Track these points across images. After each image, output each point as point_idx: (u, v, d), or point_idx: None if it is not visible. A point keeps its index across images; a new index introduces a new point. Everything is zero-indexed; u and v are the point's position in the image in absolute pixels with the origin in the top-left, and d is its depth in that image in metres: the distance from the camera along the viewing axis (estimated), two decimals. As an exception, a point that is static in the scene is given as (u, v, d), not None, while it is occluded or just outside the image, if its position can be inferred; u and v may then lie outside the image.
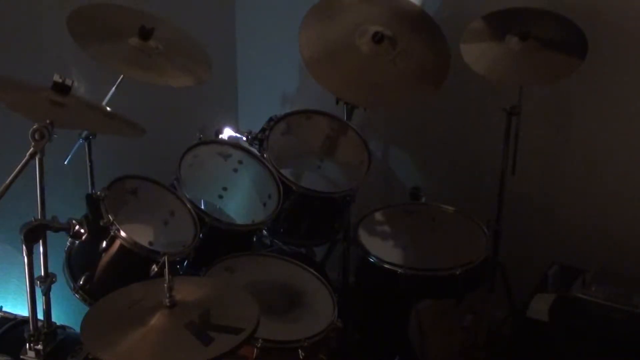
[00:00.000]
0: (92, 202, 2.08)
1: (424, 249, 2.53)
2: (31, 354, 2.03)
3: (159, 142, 2.62)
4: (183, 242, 2.18)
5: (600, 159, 2.87)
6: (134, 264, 2.08)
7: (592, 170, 2.89)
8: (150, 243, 2.17)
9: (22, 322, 2.18)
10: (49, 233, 1.98)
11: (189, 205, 2.25)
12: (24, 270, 1.95)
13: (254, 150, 2.54)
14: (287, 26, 2.77)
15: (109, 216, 2.04)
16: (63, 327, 2.16)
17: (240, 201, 2.54)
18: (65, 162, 2.37)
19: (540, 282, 2.69)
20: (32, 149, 1.88)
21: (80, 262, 2.12)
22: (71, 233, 2.04)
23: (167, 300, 1.70)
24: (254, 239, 2.44)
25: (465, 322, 2.47)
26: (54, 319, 2.09)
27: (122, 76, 2.35)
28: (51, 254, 2.04)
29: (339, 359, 2.25)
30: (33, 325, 2.01)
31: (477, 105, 2.99)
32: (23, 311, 2.16)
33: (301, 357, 2.04)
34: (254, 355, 1.99)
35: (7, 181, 1.87)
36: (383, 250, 2.49)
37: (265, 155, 2.49)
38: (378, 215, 2.66)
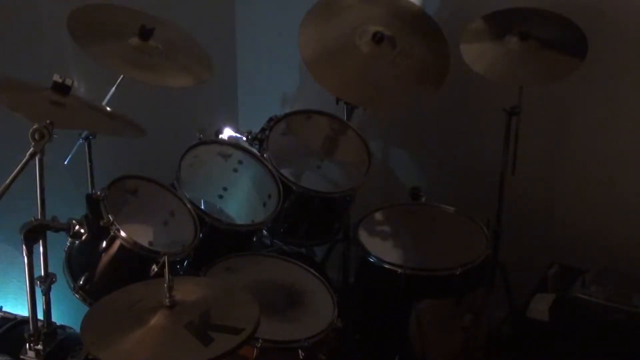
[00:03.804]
0: (92, 202, 2.08)
1: (424, 249, 2.53)
2: (31, 354, 2.03)
3: (159, 142, 2.62)
4: (183, 242, 2.18)
5: (600, 159, 2.87)
6: (134, 264, 2.08)
7: (592, 170, 2.89)
8: (150, 243, 2.17)
9: (22, 322, 2.18)
10: (49, 233, 1.98)
11: (189, 205, 2.25)
12: (24, 270, 1.95)
13: (254, 150, 2.54)
14: (287, 26, 2.77)
15: (109, 216, 2.04)
16: (63, 327, 2.16)
17: (240, 201, 2.54)
18: (65, 162, 2.37)
19: (540, 282, 2.69)
20: (32, 149, 1.88)
21: (80, 262, 2.12)
22: (71, 233, 2.04)
23: (167, 300, 1.70)
24: (254, 239, 2.44)
25: (465, 322, 2.47)
26: (54, 319, 2.10)
27: (122, 76, 2.35)
28: (51, 254, 2.04)
29: (339, 359, 2.25)
30: (33, 325, 2.01)
31: (477, 105, 2.99)
32: (23, 311, 2.16)
33: (301, 357, 2.04)
34: (254, 355, 1.99)
35: (7, 181, 1.87)
36: (383, 250, 2.49)
37: (265, 155, 2.49)
38: (378, 215, 2.66)
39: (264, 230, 2.48)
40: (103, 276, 2.09)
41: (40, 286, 2.02)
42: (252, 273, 2.27)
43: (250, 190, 2.53)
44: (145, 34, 2.33)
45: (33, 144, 1.87)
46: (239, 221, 2.49)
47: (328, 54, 2.57)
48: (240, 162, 2.53)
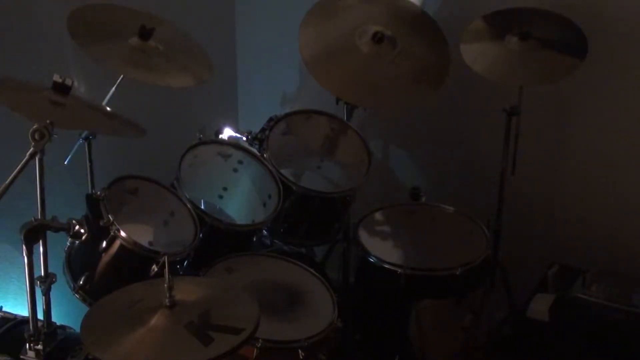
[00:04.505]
0: (92, 202, 2.08)
1: (424, 249, 2.53)
2: (31, 354, 2.03)
3: (159, 142, 2.62)
4: (183, 242, 2.18)
5: (600, 158, 2.87)
6: (134, 264, 2.09)
7: (592, 170, 2.89)
8: (150, 243, 2.17)
9: (22, 322, 2.18)
10: (49, 233, 1.98)
11: (189, 205, 2.25)
12: (24, 270, 1.95)
13: (254, 150, 2.54)
14: (287, 26, 2.77)
15: (109, 216, 2.04)
16: (63, 327, 2.17)
17: (240, 201, 2.54)
18: (65, 162, 2.37)
19: (540, 282, 2.69)
20: (32, 149, 1.88)
21: (80, 262, 2.12)
22: (71, 233, 2.04)
23: (167, 300, 1.70)
24: (254, 239, 2.44)
25: (465, 322, 2.47)
26: (54, 319, 2.10)
27: (122, 76, 2.35)
28: (51, 254, 2.04)
29: (339, 359, 2.25)
30: (33, 325, 2.01)
31: (477, 105, 2.99)
32: (23, 311, 2.16)
33: (301, 357, 2.04)
34: (254, 355, 1.99)
35: (7, 181, 1.87)
36: (383, 250, 2.49)
37: (265, 155, 2.49)
38: (378, 215, 2.66)
39: (264, 230, 2.48)
40: (103, 276, 2.09)
41: (40, 286, 2.02)
42: (252, 273, 2.27)
43: (250, 190, 2.53)
44: (145, 34, 2.33)
45: (33, 144, 1.87)
46: (239, 221, 2.49)
47: (328, 54, 2.57)
48: (240, 162, 2.53)
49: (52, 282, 2.05)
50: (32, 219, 1.95)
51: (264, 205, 2.47)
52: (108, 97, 2.36)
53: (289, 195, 2.44)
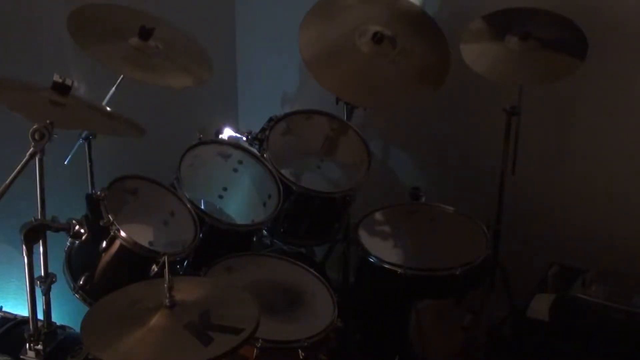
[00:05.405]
0: (92, 202, 2.08)
1: (424, 249, 2.53)
2: (31, 354, 2.03)
3: (159, 142, 2.62)
4: (183, 242, 2.18)
5: (600, 158, 2.87)
6: (134, 264, 2.09)
7: (592, 170, 2.89)
8: (150, 243, 2.17)
9: (22, 322, 2.18)
10: (49, 233, 1.98)
11: (189, 205, 2.25)
12: (24, 270, 1.95)
13: (254, 150, 2.54)
14: (287, 26, 2.77)
15: (109, 216, 2.04)
16: (63, 327, 2.16)
17: (240, 201, 2.55)
18: (65, 162, 2.37)
19: (540, 282, 2.69)
20: (32, 149, 1.88)
21: (80, 262, 2.12)
22: (71, 233, 2.04)
23: (167, 300, 1.70)
24: (254, 239, 2.44)
25: (465, 322, 2.47)
26: (54, 319, 2.10)
27: (122, 76, 2.35)
28: (51, 254, 2.04)
29: (339, 359, 2.25)
30: (33, 325, 2.01)
31: (477, 105, 2.99)
32: (23, 311, 2.16)
33: (301, 357, 2.04)
34: (254, 355, 1.99)
35: (7, 181, 1.87)
36: (383, 250, 2.49)
37: (265, 155, 2.49)
38: (378, 215, 2.66)
39: (264, 230, 2.48)
40: (103, 276, 2.09)
41: (40, 286, 2.02)
42: (252, 273, 2.27)
43: (250, 190, 2.53)
44: (145, 34, 2.33)
45: (33, 144, 1.87)
46: (239, 221, 2.49)
47: (328, 54, 2.57)
48: (240, 162, 2.53)
49: (52, 282, 2.05)
50: (32, 219, 1.95)
51: (264, 205, 2.47)
52: (108, 97, 2.36)
53: (289, 195, 2.44)
